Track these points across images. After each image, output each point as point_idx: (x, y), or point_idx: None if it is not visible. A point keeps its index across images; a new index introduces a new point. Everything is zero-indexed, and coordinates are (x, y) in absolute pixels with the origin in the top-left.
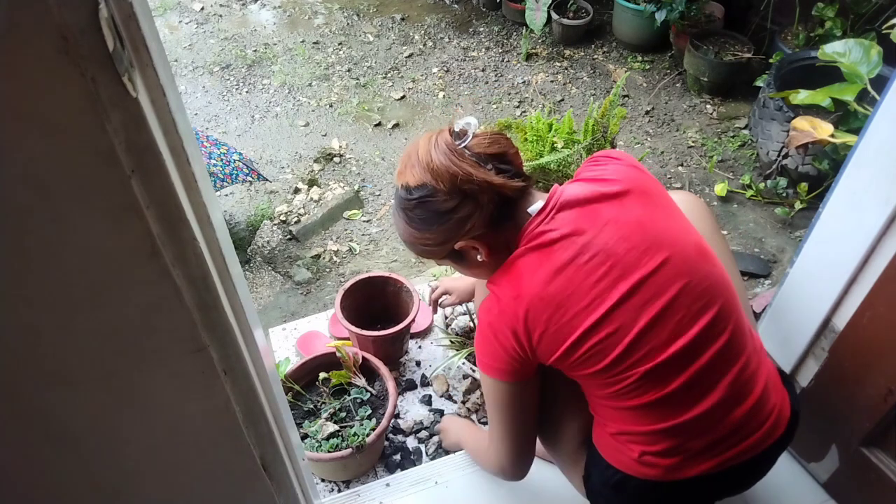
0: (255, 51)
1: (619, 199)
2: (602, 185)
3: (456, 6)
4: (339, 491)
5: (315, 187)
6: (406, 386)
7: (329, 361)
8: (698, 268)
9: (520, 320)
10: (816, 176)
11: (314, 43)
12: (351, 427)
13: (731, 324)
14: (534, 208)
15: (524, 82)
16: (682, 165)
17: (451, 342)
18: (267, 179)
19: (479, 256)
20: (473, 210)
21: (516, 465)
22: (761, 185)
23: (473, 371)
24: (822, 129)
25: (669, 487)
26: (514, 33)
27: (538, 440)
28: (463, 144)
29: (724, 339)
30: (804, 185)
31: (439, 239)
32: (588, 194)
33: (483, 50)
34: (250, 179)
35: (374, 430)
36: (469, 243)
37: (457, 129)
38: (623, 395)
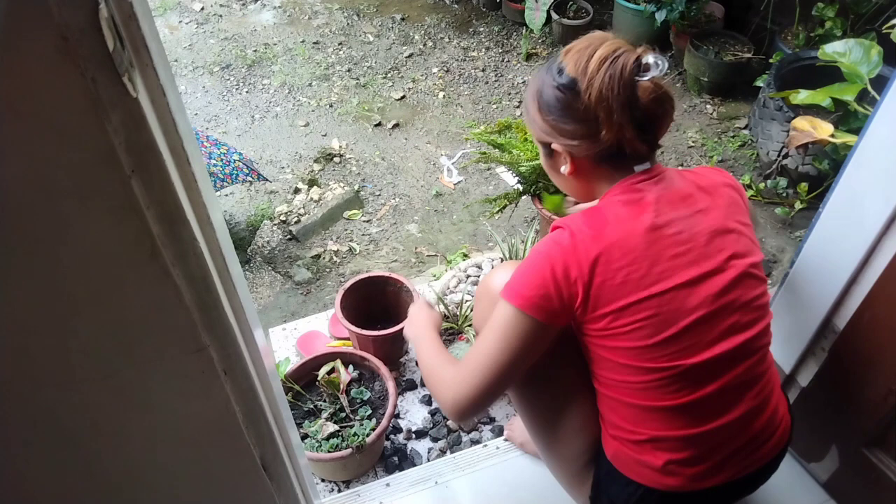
0: (255, 51)
1: (713, 199)
2: (703, 181)
3: (456, 6)
4: (339, 491)
5: (315, 187)
6: (406, 386)
7: (329, 362)
8: (756, 284)
9: (589, 260)
10: (816, 176)
11: (314, 43)
12: (351, 427)
13: (766, 344)
14: (641, 167)
15: (524, 82)
16: (682, 165)
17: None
18: (267, 179)
19: (563, 168)
20: (590, 135)
21: (473, 408)
22: (761, 185)
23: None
24: (822, 129)
25: (691, 498)
26: (514, 33)
27: (541, 454)
28: (636, 79)
29: (759, 356)
30: (804, 185)
31: (547, 128)
32: (689, 182)
33: (483, 50)
34: (250, 179)
35: (374, 430)
36: (565, 152)
37: (643, 61)
38: (657, 390)
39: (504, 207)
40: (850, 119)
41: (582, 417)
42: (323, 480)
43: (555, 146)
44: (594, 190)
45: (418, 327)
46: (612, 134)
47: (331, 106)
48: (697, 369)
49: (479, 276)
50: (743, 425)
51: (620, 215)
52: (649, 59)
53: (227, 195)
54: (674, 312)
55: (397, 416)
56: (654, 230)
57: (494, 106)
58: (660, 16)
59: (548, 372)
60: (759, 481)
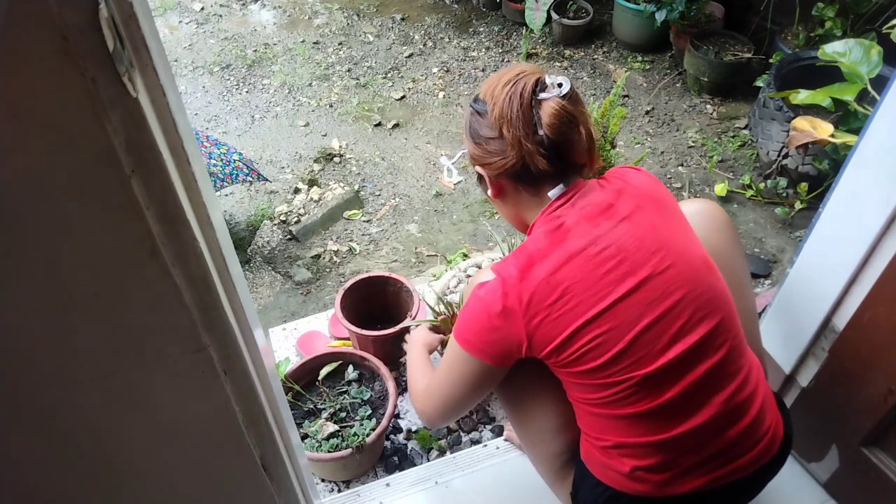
0: (255, 51)
1: (636, 202)
2: (624, 186)
3: (456, 6)
4: (339, 491)
5: (315, 187)
6: (406, 386)
7: (329, 362)
8: (703, 278)
9: (522, 303)
10: (816, 176)
11: (314, 43)
12: (351, 427)
13: (730, 340)
14: (554, 192)
15: None
16: (682, 165)
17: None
18: (267, 179)
19: (489, 191)
20: (498, 152)
21: (438, 420)
22: (761, 185)
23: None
24: (822, 129)
25: (660, 503)
26: (514, 33)
27: (527, 454)
28: (538, 98)
29: (722, 354)
30: (804, 185)
31: (471, 151)
32: (608, 192)
33: (483, 50)
34: (250, 179)
35: (374, 430)
36: (484, 172)
37: (546, 81)
38: (617, 402)
39: None
40: (850, 119)
41: (560, 419)
42: (323, 480)
43: (477, 169)
44: (523, 217)
45: (410, 343)
46: (515, 149)
47: (331, 106)
48: (654, 376)
49: None
50: (713, 431)
51: (543, 249)
52: (548, 79)
53: (227, 195)
54: (618, 328)
55: (397, 416)
56: (579, 254)
57: None
58: (660, 16)
59: (524, 375)
60: (743, 497)
